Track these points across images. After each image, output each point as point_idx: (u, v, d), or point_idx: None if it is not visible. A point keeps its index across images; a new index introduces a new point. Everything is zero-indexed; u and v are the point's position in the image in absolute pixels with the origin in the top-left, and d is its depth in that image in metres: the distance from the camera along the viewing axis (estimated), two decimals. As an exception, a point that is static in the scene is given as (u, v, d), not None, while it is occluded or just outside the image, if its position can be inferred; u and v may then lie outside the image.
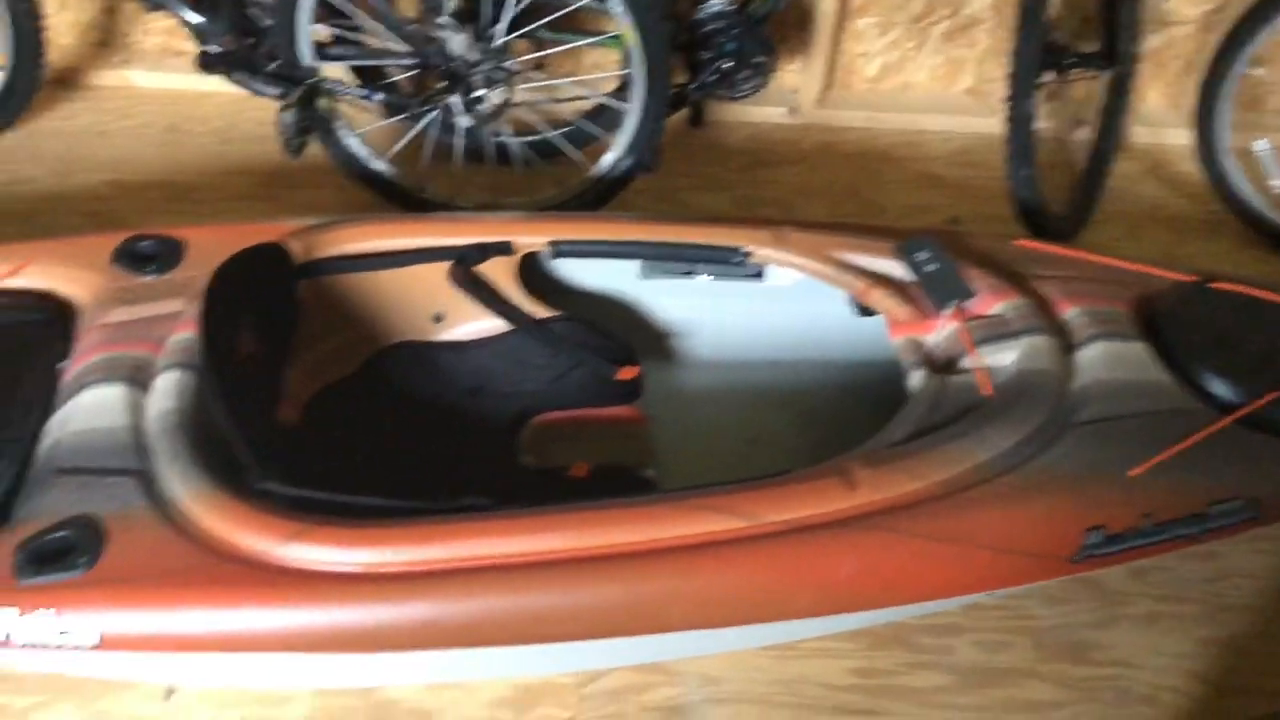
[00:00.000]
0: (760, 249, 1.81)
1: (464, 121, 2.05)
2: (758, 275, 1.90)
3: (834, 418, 1.96)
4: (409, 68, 2.06)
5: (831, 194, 2.45)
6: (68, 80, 2.53)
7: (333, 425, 1.80)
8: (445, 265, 1.82)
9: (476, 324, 1.88)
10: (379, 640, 1.39)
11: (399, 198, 2.24)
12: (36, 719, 1.53)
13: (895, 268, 1.79)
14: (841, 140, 2.58)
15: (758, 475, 1.49)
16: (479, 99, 2.02)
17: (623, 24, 1.97)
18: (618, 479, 1.73)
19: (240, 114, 2.51)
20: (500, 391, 1.86)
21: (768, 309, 1.96)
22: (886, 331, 1.77)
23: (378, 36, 2.07)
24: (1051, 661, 1.67)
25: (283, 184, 2.37)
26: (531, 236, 1.83)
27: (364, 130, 2.19)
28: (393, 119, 2.15)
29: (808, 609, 1.46)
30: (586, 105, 2.37)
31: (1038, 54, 2.04)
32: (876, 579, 1.46)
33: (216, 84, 2.55)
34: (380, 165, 2.20)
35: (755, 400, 1.98)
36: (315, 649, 1.38)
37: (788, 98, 2.61)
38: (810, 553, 1.42)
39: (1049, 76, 2.20)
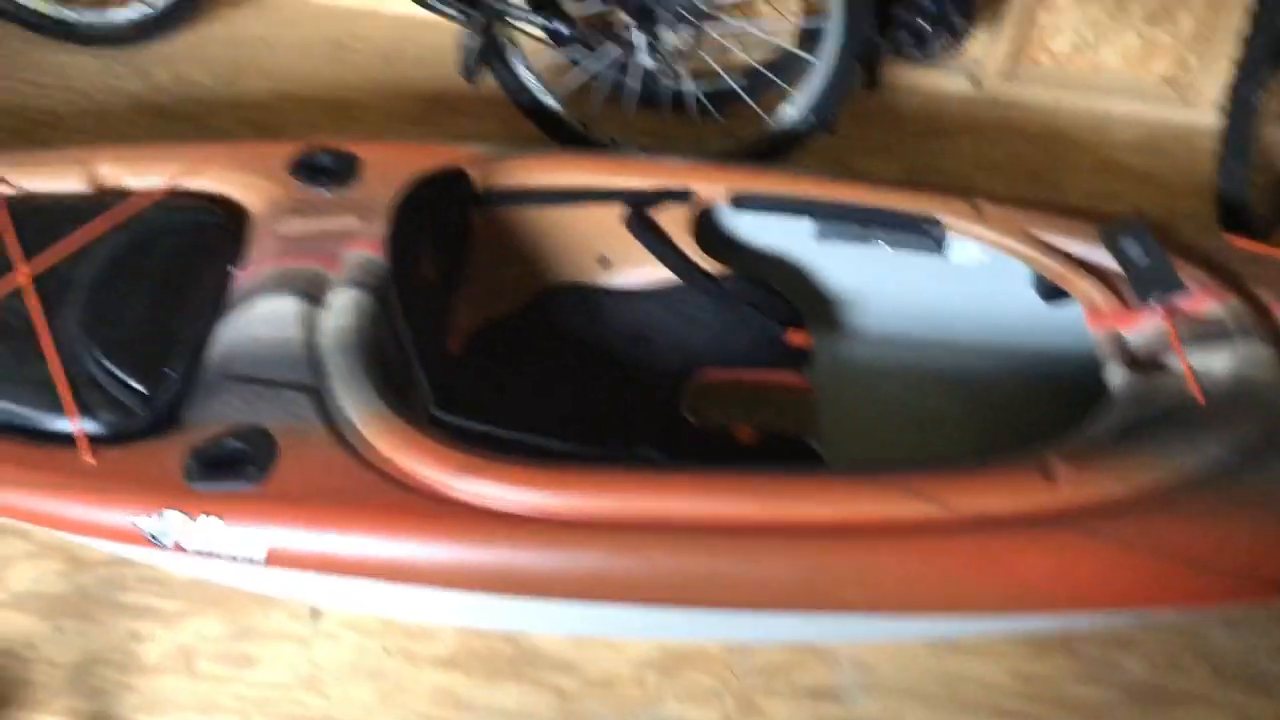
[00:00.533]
0: (954, 219, 1.71)
1: (646, 61, 1.97)
2: (939, 248, 1.80)
3: (1009, 406, 1.86)
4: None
5: (1010, 172, 2.33)
6: (236, -14, 2.51)
7: (494, 360, 1.76)
8: (619, 207, 1.76)
9: (644, 272, 1.81)
10: (540, 585, 1.34)
11: (563, 134, 2.17)
12: (183, 625, 1.52)
13: (1098, 253, 1.68)
14: (1023, 117, 2.45)
15: (947, 458, 1.41)
16: (664, 39, 1.94)
17: (826, -29, 1.88)
18: (784, 447, 1.66)
19: (405, 36, 2.47)
20: (664, 344, 1.79)
21: (947, 285, 1.86)
22: (1077, 319, 1.66)
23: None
24: (1229, 690, 1.56)
25: (444, 109, 2.33)
26: (711, 185, 1.75)
27: (537, 61, 2.13)
28: (569, 53, 2.08)
29: (989, 606, 1.38)
30: (768, 53, 2.27)
31: (1274, 43, 1.89)
32: (1066, 583, 1.37)
33: (383, 3, 2.53)
34: (549, 99, 2.14)
35: (925, 380, 1.89)
36: (477, 587, 1.34)
37: (969, 67, 2.48)
38: (1001, 547, 1.34)
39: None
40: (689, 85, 2.12)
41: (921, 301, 1.89)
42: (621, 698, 1.51)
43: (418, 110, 2.32)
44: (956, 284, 1.85)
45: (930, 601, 1.36)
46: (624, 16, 1.97)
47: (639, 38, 1.95)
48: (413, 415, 1.40)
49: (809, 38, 2.17)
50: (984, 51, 2.45)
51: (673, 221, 1.76)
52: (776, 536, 1.33)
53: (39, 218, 1.60)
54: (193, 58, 2.36)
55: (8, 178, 1.65)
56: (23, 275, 1.51)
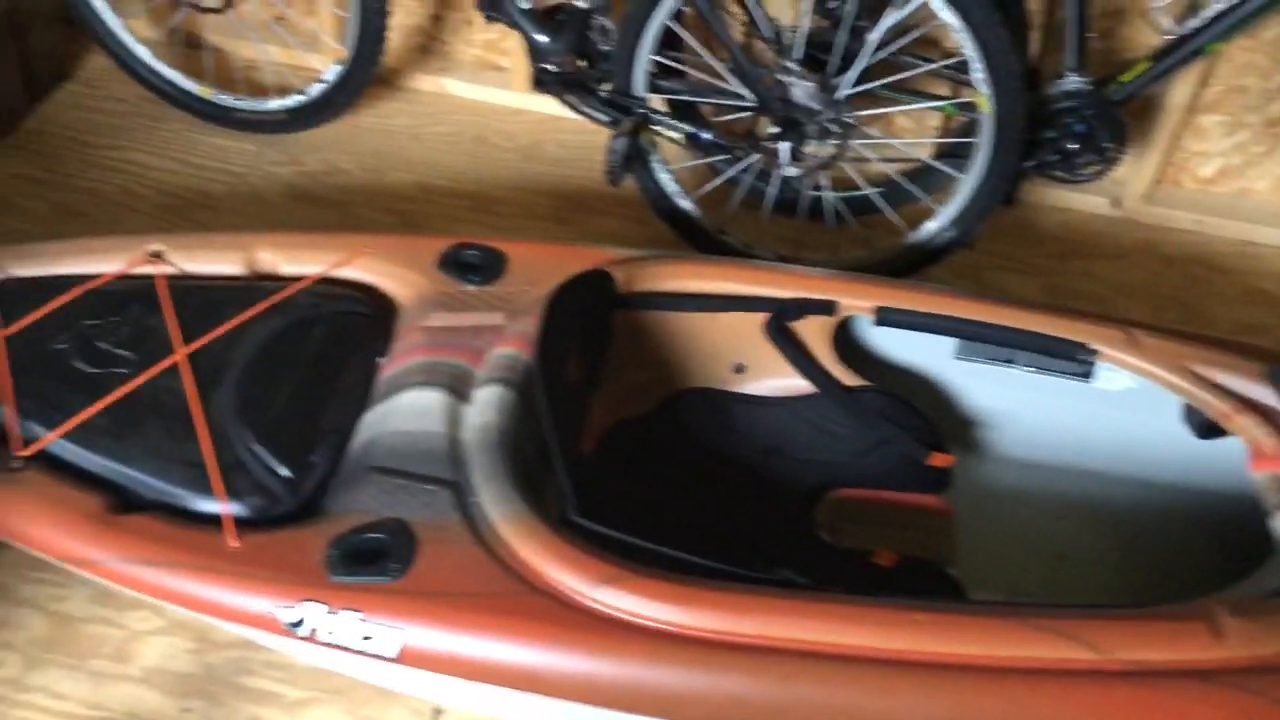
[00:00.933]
0: (1108, 348, 1.66)
1: (790, 171, 1.98)
2: (1085, 375, 1.75)
3: (1154, 543, 1.78)
4: (743, 109, 2.00)
5: (1153, 297, 2.27)
6: (389, 81, 2.60)
7: (626, 462, 1.75)
8: (758, 316, 1.75)
9: (779, 381, 1.79)
10: (675, 706, 1.30)
11: (698, 238, 2.18)
12: (306, 713, 1.51)
13: (1262, 392, 1.61)
14: (1166, 240, 2.39)
15: (1103, 603, 1.35)
16: (809, 149, 1.95)
17: (981, 92, 1.86)
18: (923, 574, 1.61)
19: (546, 135, 2.52)
20: (798, 457, 1.76)
21: (1093, 413, 1.79)
22: (1235, 459, 1.59)
23: (717, 76, 2.03)
24: None
25: (581, 209, 2.36)
26: (854, 298, 1.73)
27: (676, 166, 2.15)
28: (710, 159, 2.10)
29: (1149, 764, 1.30)
30: (906, 165, 2.27)
31: None
32: (1232, 746, 1.29)
33: (527, 101, 2.60)
34: (686, 203, 2.16)
35: (1067, 511, 1.82)
36: (610, 702, 1.31)
37: (1111, 188, 2.43)
38: (1163, 701, 1.26)
39: None
40: (828, 194, 2.12)
41: (1064, 427, 1.83)
42: (744, 827, 1.45)
43: (556, 208, 2.35)
44: (1102, 411, 1.79)
45: (1085, 755, 1.28)
46: (769, 126, 1.98)
47: (783, 148, 1.96)
48: (550, 518, 1.39)
49: (950, 152, 2.16)
50: (1128, 174, 2.41)
51: (812, 332, 1.75)
52: (924, 673, 1.27)
53: (196, 298, 1.65)
54: (342, 147, 2.45)
55: (170, 257, 1.71)
56: (180, 354, 1.55)
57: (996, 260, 2.31)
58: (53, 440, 1.45)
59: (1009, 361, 1.77)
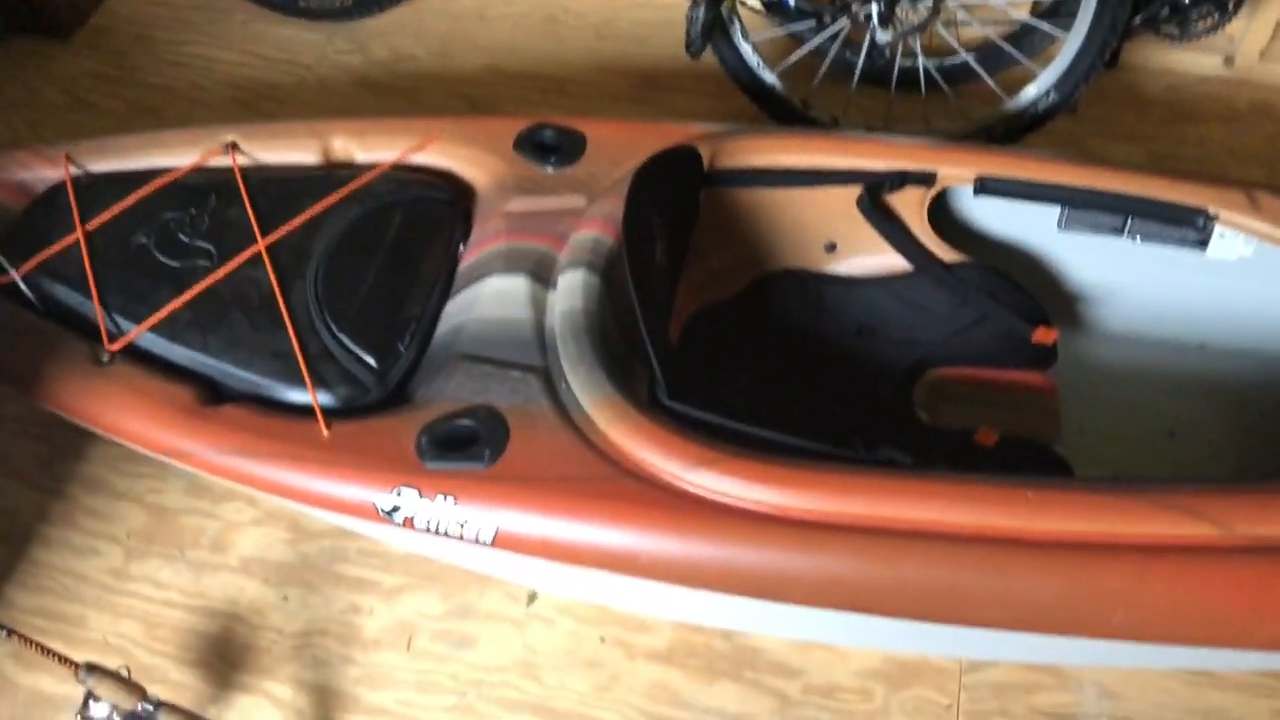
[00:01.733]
0: (1228, 211, 1.56)
1: (881, 36, 1.86)
2: (1202, 244, 1.65)
3: (1273, 420, 1.69)
4: (829, -29, 1.89)
5: (1270, 161, 2.13)
6: (453, -40, 2.51)
7: (712, 348, 1.70)
8: (851, 190, 1.67)
9: (872, 258, 1.72)
10: (773, 587, 1.27)
11: (782, 113, 2.09)
12: (403, 599, 1.52)
13: (1396, 255, 1.50)
14: (1283, 100, 2.24)
15: (1230, 477, 1.28)
16: (901, 12, 1.84)
17: (1087, -63, 1.73)
18: (1027, 453, 1.55)
19: (618, 11, 2.42)
20: (893, 337, 1.69)
21: (1207, 283, 1.69)
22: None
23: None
24: None
25: (657, 86, 2.27)
26: (953, 167, 1.64)
27: (758, 37, 2.05)
28: (794, 27, 2.00)
29: (1269, 641, 1.25)
30: (1006, 27, 2.13)
31: None
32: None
33: (600, -24, 2.49)
34: (769, 76, 2.05)
35: (1178, 386, 1.73)
36: (706, 584, 1.29)
37: (1224, 45, 2.27)
38: (1288, 579, 1.21)
39: None
40: (921, 61, 2.00)
41: (1176, 300, 1.73)
42: (845, 709, 1.44)
43: (631, 87, 2.27)
44: (1217, 281, 1.69)
45: (1207, 633, 1.23)
46: (857, -11, 1.87)
47: (874, 9, 1.85)
48: (643, 403, 1.35)
49: (1051, 10, 2.02)
50: (1240, 27, 2.24)
51: (908, 205, 1.66)
52: (1034, 552, 1.22)
53: (273, 188, 1.62)
54: (409, 32, 2.38)
55: (245, 148, 1.67)
56: (260, 245, 1.53)
57: (1099, 128, 2.18)
58: (140, 334, 1.45)
59: (1116, 231, 1.68)
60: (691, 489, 1.26)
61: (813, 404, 1.62)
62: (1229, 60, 2.28)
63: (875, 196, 1.64)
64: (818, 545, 1.24)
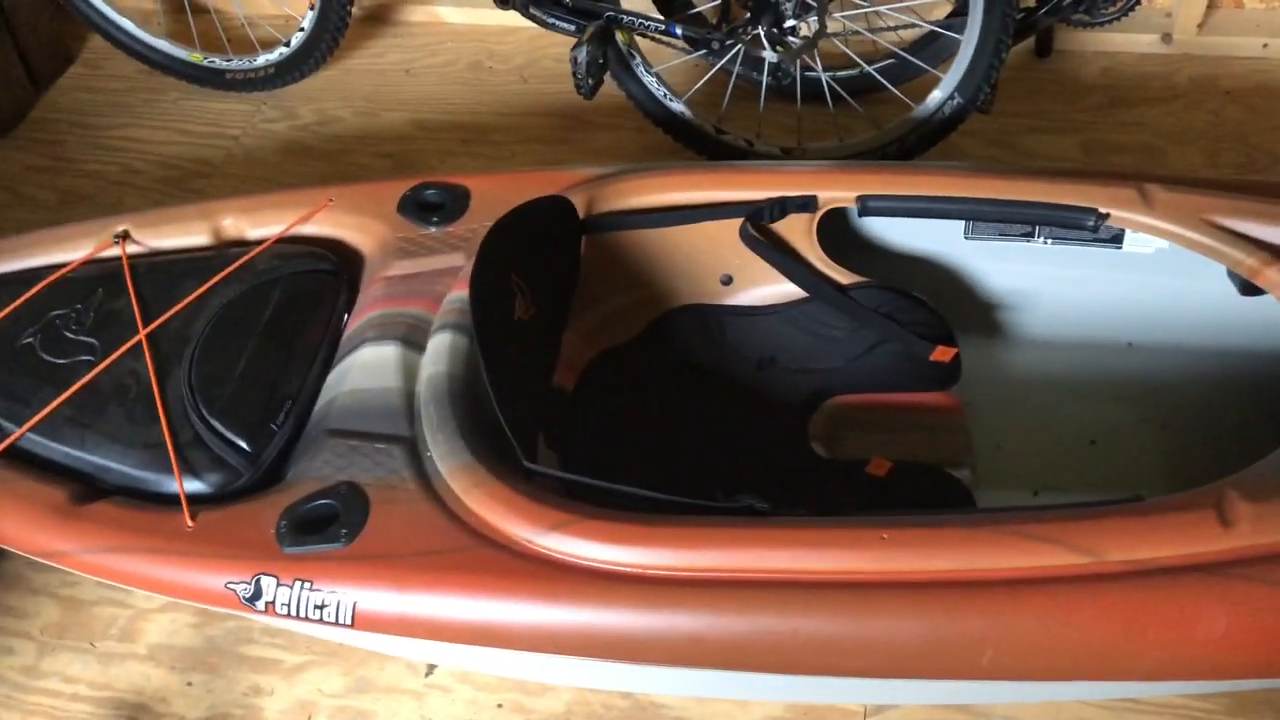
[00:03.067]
0: (1120, 210, 1.49)
1: (770, 56, 1.82)
2: (1114, 240, 1.58)
3: (1200, 421, 1.61)
4: (712, -4, 1.86)
5: (1210, 140, 2.03)
6: (380, 16, 2.52)
7: (611, 392, 1.67)
8: (735, 222, 1.63)
9: (770, 288, 1.67)
10: (642, 649, 1.23)
11: (697, 140, 2.05)
12: (303, 678, 1.51)
13: (1302, 239, 1.42)
14: (1226, 73, 2.13)
15: (1102, 499, 1.21)
16: (789, 29, 1.79)
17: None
18: (923, 480, 1.49)
19: (540, 51, 2.41)
20: (792, 366, 1.64)
21: (1122, 281, 1.62)
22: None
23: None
24: None
25: (579, 126, 2.25)
26: (838, 190, 1.59)
27: (661, 68, 2.02)
28: (693, 55, 1.96)
29: (1155, 671, 1.17)
30: (910, 35, 2.08)
31: None
32: (1251, 642, 1.15)
33: (521, 19, 2.48)
34: (677, 105, 2.02)
35: (1098, 392, 1.66)
36: (573, 651, 1.25)
37: (1159, 22, 2.19)
38: (1166, 603, 1.13)
39: None
40: (823, 76, 1.95)
41: (1094, 300, 1.66)
42: (748, 761, 1.40)
43: (553, 128, 2.25)
44: (1136, 278, 1.62)
45: (1085, 667, 1.16)
46: (742, 9, 1.83)
47: (761, 32, 1.81)
48: (503, 468, 1.33)
49: (954, 11, 1.97)
50: (1175, 2, 2.15)
51: (795, 232, 1.61)
52: (894, 595, 1.17)
53: (159, 275, 1.62)
54: (336, 93, 2.39)
55: (137, 235, 1.69)
56: (140, 335, 1.54)
57: (1032, 121, 2.11)
58: (21, 436, 1.47)
59: (1027, 236, 1.62)
60: (547, 553, 1.23)
61: (711, 443, 1.58)
62: (1167, 37, 2.19)
63: (759, 226, 1.60)
64: (675, 602, 1.20)
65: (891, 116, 1.99)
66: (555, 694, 1.46)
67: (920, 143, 1.93)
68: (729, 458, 1.55)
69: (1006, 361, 1.70)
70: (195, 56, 2.39)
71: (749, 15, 1.80)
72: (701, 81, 2.02)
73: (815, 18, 1.79)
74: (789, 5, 1.77)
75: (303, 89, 2.40)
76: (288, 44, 2.31)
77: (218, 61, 2.38)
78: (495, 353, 1.37)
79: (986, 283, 1.70)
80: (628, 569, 1.21)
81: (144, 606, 1.60)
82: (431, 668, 1.50)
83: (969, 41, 1.79)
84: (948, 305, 1.61)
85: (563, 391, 1.62)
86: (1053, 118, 2.12)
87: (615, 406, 1.64)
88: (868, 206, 1.57)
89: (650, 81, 2.01)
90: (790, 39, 1.81)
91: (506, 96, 2.34)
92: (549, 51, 2.41)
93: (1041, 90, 2.16)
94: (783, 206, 1.59)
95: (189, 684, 1.51)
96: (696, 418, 1.62)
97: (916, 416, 1.57)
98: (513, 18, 2.45)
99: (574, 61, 1.85)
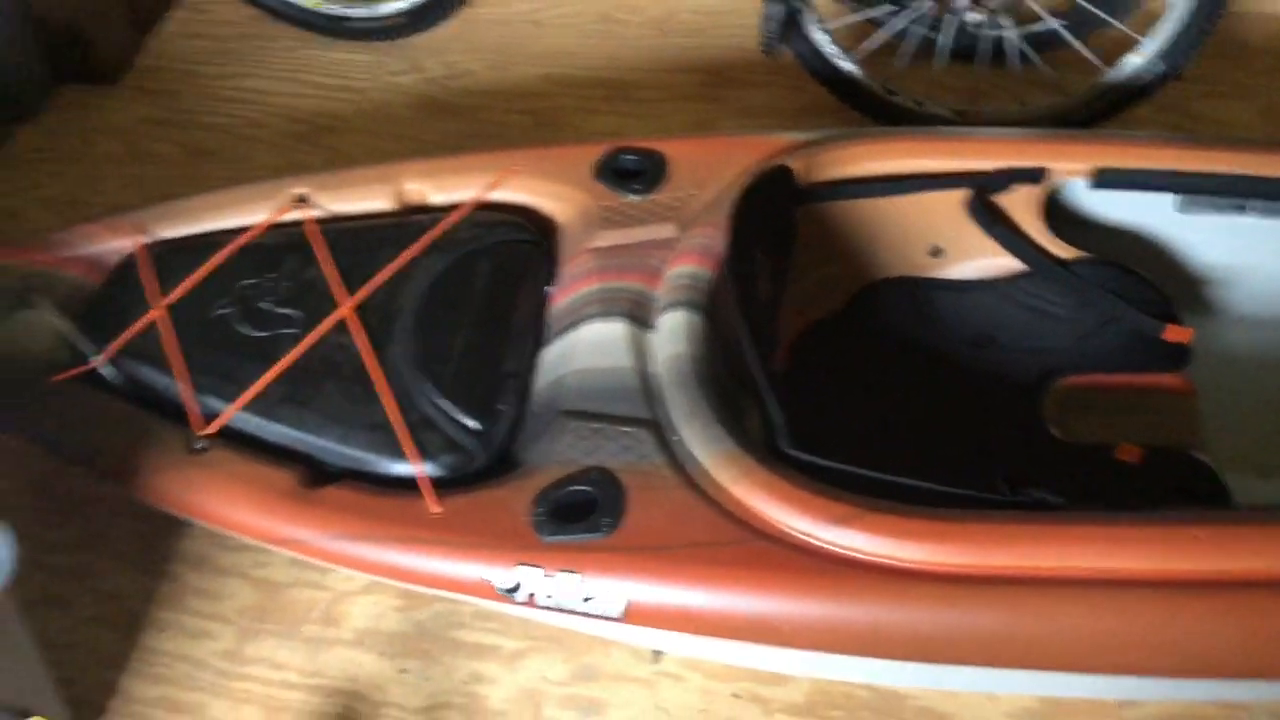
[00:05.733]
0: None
1: (971, 16, 1.75)
2: (1333, 214, 1.53)
3: None
4: (909, -49, 1.77)
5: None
6: (500, -37, 2.42)
7: (819, 370, 1.61)
8: (956, 193, 1.56)
9: (983, 261, 1.61)
10: (925, 647, 1.19)
11: (863, 101, 1.98)
12: (525, 664, 1.46)
13: None
14: None
15: None
16: (992, -12, 1.72)
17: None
18: (1173, 466, 1.45)
19: (677, 2, 2.32)
20: (1015, 345, 1.59)
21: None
22: None
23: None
24: None
25: (726, 83, 2.17)
26: (1068, 162, 1.53)
27: (832, 24, 1.94)
28: (874, 12, 1.88)
29: None
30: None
31: None
32: None
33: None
34: (848, 64, 1.94)
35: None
36: (855, 649, 1.21)
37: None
38: None
39: None
40: (1009, 33, 1.87)
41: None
42: (998, 753, 1.36)
43: (699, 85, 2.17)
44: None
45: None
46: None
47: (962, -10, 1.73)
48: (765, 455, 1.27)
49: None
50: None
51: (1018, 204, 1.55)
52: (1207, 596, 1.13)
53: (350, 242, 1.55)
54: (462, 45, 2.29)
55: (315, 199, 1.61)
56: (346, 308, 1.47)
57: (1202, 87, 2.04)
58: (233, 414, 1.40)
59: (1239, 209, 1.56)
60: (831, 548, 1.18)
61: (934, 425, 1.53)
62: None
63: (984, 198, 1.54)
64: (970, 601, 1.16)
65: (1072, 77, 1.92)
66: (794, 684, 1.42)
67: (1108, 109, 1.87)
68: (960, 441, 1.50)
69: (1221, 340, 1.65)
70: (314, 2, 2.27)
71: (951, -28, 1.73)
72: (875, 39, 1.94)
73: (1022, -24, 1.72)
74: (995, -38, 1.70)
75: (426, 40, 2.30)
76: (417, -9, 2.21)
77: (339, 8, 2.27)
78: (757, 334, 1.31)
79: (1198, 258, 1.64)
80: (920, 566, 1.16)
81: (343, 589, 1.54)
82: (658, 654, 1.46)
83: (1182, 3, 1.71)
84: (1163, 282, 1.56)
85: (777, 374, 1.56)
86: (1226, 82, 2.06)
87: (827, 386, 1.59)
88: (1105, 179, 1.51)
89: (821, 39, 1.92)
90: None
91: (643, 50, 2.25)
92: (684, 4, 2.31)
93: (1209, 53, 2.09)
94: (1010, 177, 1.52)
95: (403, 671, 1.46)
96: (916, 397, 1.57)
97: (1149, 398, 1.52)
98: (640, -34, 2.39)
99: (766, 19, 1.76)
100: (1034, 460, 1.47)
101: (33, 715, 1.08)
